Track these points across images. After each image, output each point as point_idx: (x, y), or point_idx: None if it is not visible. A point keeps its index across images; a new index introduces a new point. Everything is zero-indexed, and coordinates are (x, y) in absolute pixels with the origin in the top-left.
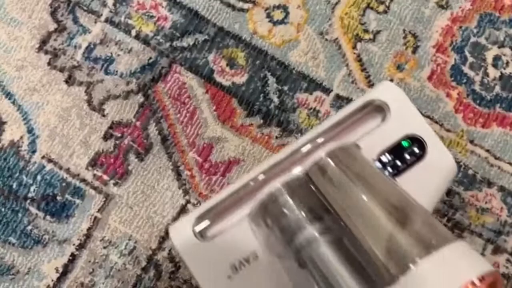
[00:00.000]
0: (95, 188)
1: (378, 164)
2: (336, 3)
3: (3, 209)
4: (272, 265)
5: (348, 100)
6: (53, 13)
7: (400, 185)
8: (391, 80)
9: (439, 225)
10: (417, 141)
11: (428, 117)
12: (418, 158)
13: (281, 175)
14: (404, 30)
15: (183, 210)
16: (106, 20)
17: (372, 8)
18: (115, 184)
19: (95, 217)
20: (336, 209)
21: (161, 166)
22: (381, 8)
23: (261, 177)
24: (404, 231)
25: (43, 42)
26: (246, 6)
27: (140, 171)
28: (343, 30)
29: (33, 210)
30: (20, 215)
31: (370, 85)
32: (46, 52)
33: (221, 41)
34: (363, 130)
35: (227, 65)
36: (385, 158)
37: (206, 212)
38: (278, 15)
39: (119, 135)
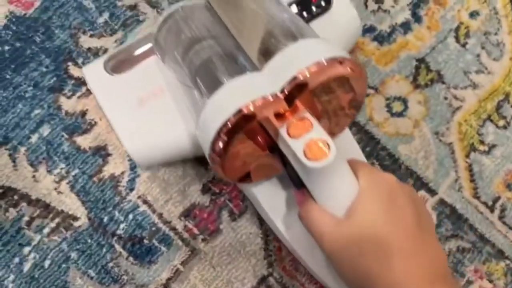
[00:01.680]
0: (183, 240)
1: None
2: (457, 108)
3: (89, 240)
4: (175, 94)
5: (451, 208)
6: None
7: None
8: (498, 197)
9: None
10: None
11: None
12: (324, 10)
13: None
14: None
15: (263, 281)
16: None
17: (492, 121)
18: (204, 240)
19: (177, 269)
20: (226, 23)
21: (252, 232)
22: (501, 122)
23: None
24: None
25: None
26: (367, 91)
27: (230, 232)
28: (460, 136)
29: (118, 248)
30: (104, 250)
31: (477, 197)
32: None
33: None
34: None
35: None
36: (293, 9)
37: (117, 53)
38: (397, 106)
39: (218, 191)
